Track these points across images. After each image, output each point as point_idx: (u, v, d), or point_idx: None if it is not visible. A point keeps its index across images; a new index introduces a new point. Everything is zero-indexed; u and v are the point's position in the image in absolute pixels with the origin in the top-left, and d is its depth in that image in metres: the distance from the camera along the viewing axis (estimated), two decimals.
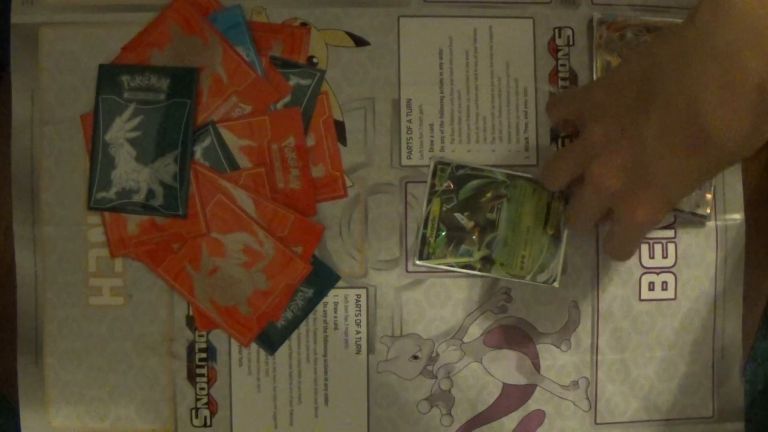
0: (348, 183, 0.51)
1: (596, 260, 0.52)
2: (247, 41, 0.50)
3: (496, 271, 0.51)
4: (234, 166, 0.50)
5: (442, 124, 0.51)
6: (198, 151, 0.50)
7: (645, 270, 0.52)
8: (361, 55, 0.51)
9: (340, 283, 0.51)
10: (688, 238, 0.52)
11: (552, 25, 0.52)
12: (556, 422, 0.52)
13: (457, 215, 0.51)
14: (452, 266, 0.51)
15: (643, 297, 0.52)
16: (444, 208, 0.51)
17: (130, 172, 0.49)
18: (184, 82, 0.49)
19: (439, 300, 0.51)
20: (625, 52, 0.51)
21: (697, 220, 0.52)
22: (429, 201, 0.51)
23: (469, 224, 0.51)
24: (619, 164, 0.40)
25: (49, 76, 0.50)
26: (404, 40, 0.51)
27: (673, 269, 0.52)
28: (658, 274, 0.52)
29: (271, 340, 0.50)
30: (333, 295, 0.51)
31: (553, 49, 0.52)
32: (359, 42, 0.51)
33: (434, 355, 0.51)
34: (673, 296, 0.52)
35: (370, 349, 0.51)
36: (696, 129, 0.37)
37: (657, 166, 0.39)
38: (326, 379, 0.51)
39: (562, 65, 0.52)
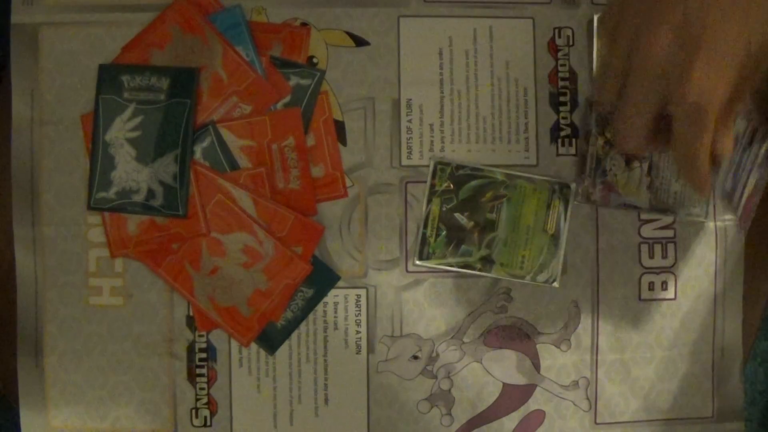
0: (348, 183, 0.51)
1: (596, 260, 0.52)
2: (247, 41, 0.50)
3: (496, 271, 0.51)
4: (234, 166, 0.50)
5: (442, 124, 0.51)
6: (198, 151, 0.50)
7: (645, 270, 0.52)
8: (361, 55, 0.51)
9: (340, 283, 0.51)
10: (687, 238, 0.52)
11: (552, 25, 0.52)
12: (556, 422, 0.52)
13: (457, 215, 0.51)
14: (452, 266, 0.51)
15: (643, 297, 0.52)
16: (444, 208, 0.51)
17: (130, 172, 0.49)
18: (184, 82, 0.49)
19: (439, 300, 0.51)
20: None
21: (697, 222, 0.52)
22: (429, 201, 0.51)
23: (469, 224, 0.51)
24: (667, 25, 0.37)
25: (49, 76, 0.50)
26: (404, 40, 0.51)
27: (672, 269, 0.52)
28: (658, 274, 0.52)
29: (271, 340, 0.50)
30: (333, 295, 0.51)
31: (553, 49, 0.52)
32: (359, 42, 0.51)
33: (434, 355, 0.51)
34: (673, 296, 0.52)
35: (370, 349, 0.51)
36: None
37: (707, 19, 0.36)
38: (326, 379, 0.51)
39: (562, 65, 0.52)
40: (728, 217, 0.52)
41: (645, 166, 0.51)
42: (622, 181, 0.51)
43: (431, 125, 0.51)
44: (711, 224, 0.52)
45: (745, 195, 0.48)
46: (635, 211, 0.52)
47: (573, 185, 0.51)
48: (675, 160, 0.40)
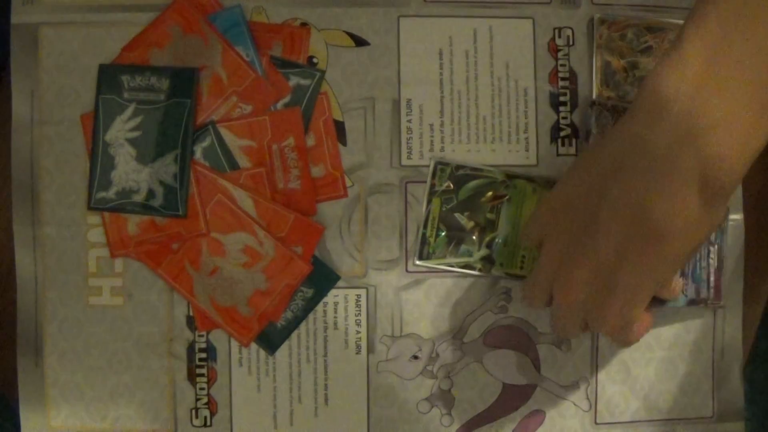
0: (348, 183, 0.51)
1: None
2: (247, 41, 0.50)
3: (496, 271, 0.51)
4: (234, 166, 0.50)
5: (442, 124, 0.51)
6: (198, 151, 0.50)
7: None
8: (361, 55, 0.51)
9: (340, 283, 0.51)
10: None
11: (552, 25, 0.52)
12: (556, 422, 0.52)
13: (457, 215, 0.51)
14: (452, 266, 0.51)
15: None
16: (444, 208, 0.51)
17: (130, 172, 0.49)
18: (184, 82, 0.49)
19: (439, 300, 0.51)
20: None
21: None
22: (429, 201, 0.51)
23: (469, 224, 0.51)
24: (580, 278, 0.40)
25: (49, 76, 0.50)
26: (404, 40, 0.51)
27: None
28: None
29: (271, 340, 0.50)
30: (333, 295, 0.51)
31: (553, 49, 0.52)
32: (359, 42, 0.51)
33: (434, 355, 0.51)
34: None
35: (370, 349, 0.51)
36: (647, 230, 0.37)
37: (617, 272, 0.39)
38: (326, 379, 0.51)
39: (562, 65, 0.52)
40: (728, 217, 0.52)
41: None
42: None
43: (431, 125, 0.51)
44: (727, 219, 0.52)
45: (713, 278, 0.50)
46: None
47: None
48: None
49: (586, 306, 0.41)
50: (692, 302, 0.50)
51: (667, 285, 0.44)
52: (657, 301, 0.45)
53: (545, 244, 0.43)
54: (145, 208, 0.49)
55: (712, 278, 0.50)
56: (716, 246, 0.51)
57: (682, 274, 0.49)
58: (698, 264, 0.50)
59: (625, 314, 0.40)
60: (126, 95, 0.49)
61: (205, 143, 0.50)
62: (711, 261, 0.50)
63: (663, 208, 0.37)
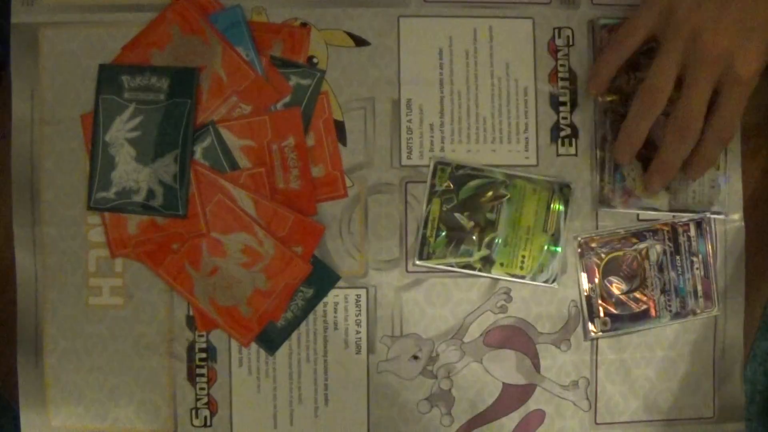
0: (348, 183, 0.51)
1: None
2: (247, 41, 0.50)
3: (496, 271, 0.51)
4: (234, 166, 0.50)
5: (442, 124, 0.51)
6: (198, 151, 0.50)
7: None
8: (361, 55, 0.51)
9: (340, 283, 0.51)
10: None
11: (552, 26, 0.52)
12: (556, 422, 0.52)
13: (457, 215, 0.51)
14: (452, 266, 0.51)
15: None
16: (444, 208, 0.51)
17: (130, 172, 0.49)
18: (184, 82, 0.49)
19: (439, 300, 0.51)
20: None
21: (717, 219, 0.52)
22: (429, 201, 0.51)
23: (469, 224, 0.51)
24: (727, 23, 0.44)
25: (49, 76, 0.50)
26: (404, 40, 0.51)
27: None
28: None
29: (271, 340, 0.50)
30: (333, 295, 0.51)
31: (553, 50, 0.52)
32: (359, 42, 0.51)
33: (434, 355, 0.51)
34: None
35: (370, 349, 0.51)
36: None
37: (757, 9, 0.44)
38: (326, 379, 0.51)
39: (561, 65, 0.52)
40: (728, 217, 0.52)
41: None
42: (640, 185, 0.51)
43: (431, 125, 0.51)
44: (712, 224, 0.52)
45: (700, 287, 0.52)
46: (655, 213, 0.52)
47: (573, 185, 0.51)
48: (718, 131, 0.46)
49: (727, 56, 0.44)
50: (677, 316, 0.50)
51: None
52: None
53: (680, 11, 0.45)
54: (145, 208, 0.49)
55: (699, 287, 0.51)
56: (699, 256, 0.51)
57: (663, 291, 0.50)
58: (680, 278, 0.50)
59: (762, 58, 0.44)
60: (126, 95, 0.49)
61: (205, 143, 0.50)
62: (696, 272, 0.51)
63: None
